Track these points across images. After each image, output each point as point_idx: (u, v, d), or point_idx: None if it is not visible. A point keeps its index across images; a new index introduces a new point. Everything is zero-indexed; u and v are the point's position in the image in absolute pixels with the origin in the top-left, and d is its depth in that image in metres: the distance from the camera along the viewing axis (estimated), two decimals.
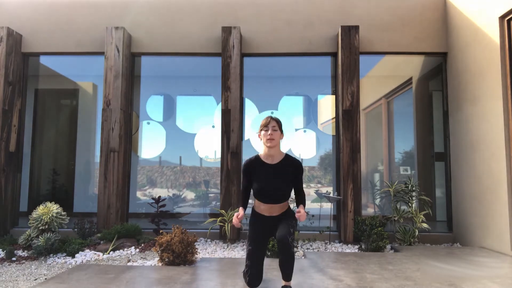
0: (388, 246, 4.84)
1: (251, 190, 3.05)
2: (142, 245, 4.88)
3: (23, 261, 4.35)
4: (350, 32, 5.46)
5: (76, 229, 5.08)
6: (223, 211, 5.15)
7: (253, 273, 2.88)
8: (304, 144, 7.39)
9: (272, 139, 2.94)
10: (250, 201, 3.13)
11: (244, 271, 2.99)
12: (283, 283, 2.88)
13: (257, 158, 3.05)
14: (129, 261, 4.28)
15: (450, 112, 5.66)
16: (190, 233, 4.03)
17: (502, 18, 4.50)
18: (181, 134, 7.54)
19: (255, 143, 6.95)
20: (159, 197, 5.61)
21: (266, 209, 3.01)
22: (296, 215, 2.88)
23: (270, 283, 3.26)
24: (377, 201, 6.98)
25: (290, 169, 3.01)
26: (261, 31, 5.81)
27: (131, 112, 5.91)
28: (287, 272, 2.83)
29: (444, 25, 5.74)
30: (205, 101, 7.72)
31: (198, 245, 4.97)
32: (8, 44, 5.61)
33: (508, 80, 4.40)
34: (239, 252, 4.66)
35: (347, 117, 5.35)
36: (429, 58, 6.16)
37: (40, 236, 4.47)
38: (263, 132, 2.99)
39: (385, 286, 3.15)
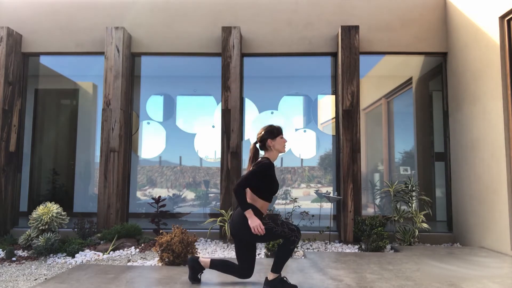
0: (388, 246, 4.84)
1: (250, 191, 3.07)
2: (142, 245, 4.87)
3: (23, 261, 4.35)
4: (350, 32, 5.46)
5: (76, 229, 5.08)
6: (223, 211, 5.15)
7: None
8: (304, 144, 7.39)
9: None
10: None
11: (296, 242, 2.98)
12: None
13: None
14: (129, 261, 4.28)
15: (450, 112, 5.66)
16: (190, 233, 4.03)
17: (502, 18, 4.50)
18: (181, 134, 7.54)
19: None
20: (159, 197, 5.61)
21: (267, 207, 3.14)
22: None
23: None
24: (377, 201, 6.97)
25: None
26: (261, 31, 5.81)
27: (131, 112, 5.91)
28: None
29: (444, 25, 5.74)
30: (205, 101, 7.72)
31: (198, 245, 4.97)
32: (8, 44, 5.61)
33: (508, 80, 4.40)
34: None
35: (347, 117, 5.35)
36: (429, 58, 6.16)
37: (40, 236, 4.47)
38: (280, 139, 3.15)
39: (385, 286, 3.15)
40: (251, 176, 2.98)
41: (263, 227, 2.90)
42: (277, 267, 2.98)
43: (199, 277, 3.28)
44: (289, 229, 2.94)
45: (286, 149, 3.26)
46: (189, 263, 3.26)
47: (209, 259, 3.21)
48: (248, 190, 3.07)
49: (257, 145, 3.17)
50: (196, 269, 3.23)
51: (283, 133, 3.19)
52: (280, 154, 3.25)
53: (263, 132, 3.13)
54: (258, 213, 3.01)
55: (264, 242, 3.01)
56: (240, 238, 3.07)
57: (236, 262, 3.19)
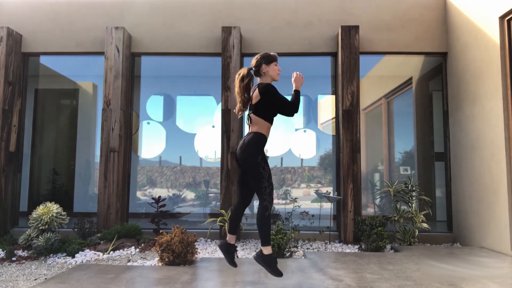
0: (388, 246, 4.84)
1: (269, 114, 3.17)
2: (142, 245, 4.87)
3: (23, 261, 4.35)
4: (350, 32, 5.46)
5: (76, 229, 5.07)
6: (223, 211, 5.15)
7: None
8: (304, 144, 7.39)
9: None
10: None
11: (269, 208, 3.07)
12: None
13: None
14: (129, 261, 4.28)
15: (450, 112, 5.66)
16: (190, 233, 4.03)
17: (502, 18, 4.50)
18: (181, 134, 7.55)
19: None
20: (159, 197, 5.61)
21: (269, 130, 3.25)
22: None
23: (270, 282, 3.25)
24: (377, 201, 6.98)
25: None
26: (261, 31, 5.81)
27: (131, 112, 5.91)
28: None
29: (444, 25, 5.74)
30: (205, 101, 7.72)
31: (198, 245, 4.97)
32: (8, 44, 5.61)
33: (508, 80, 4.40)
34: (239, 252, 4.66)
35: (347, 117, 5.35)
36: (429, 58, 6.16)
37: (40, 236, 4.47)
38: (275, 66, 3.21)
39: (385, 286, 3.15)
40: (275, 96, 3.09)
41: (299, 74, 3.22)
42: (264, 239, 3.03)
43: (236, 256, 3.31)
44: (269, 193, 3.01)
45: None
46: (221, 248, 3.24)
47: (230, 234, 3.23)
48: (255, 118, 3.12)
49: (252, 71, 3.23)
50: (230, 250, 3.22)
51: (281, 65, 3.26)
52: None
53: (258, 57, 3.22)
54: (265, 140, 3.12)
55: (247, 180, 3.12)
56: (243, 167, 3.14)
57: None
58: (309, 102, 7.57)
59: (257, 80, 3.24)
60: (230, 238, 3.23)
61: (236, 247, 3.30)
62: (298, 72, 3.26)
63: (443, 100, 5.82)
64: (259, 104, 3.11)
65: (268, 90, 3.09)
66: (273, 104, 3.11)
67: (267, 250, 3.02)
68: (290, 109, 3.13)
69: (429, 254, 4.37)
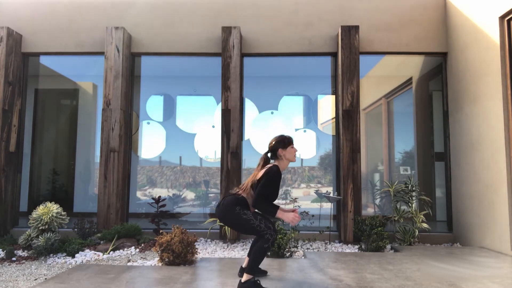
0: (388, 246, 4.84)
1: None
2: (142, 245, 4.87)
3: (23, 261, 4.35)
4: (350, 32, 5.46)
5: (76, 229, 5.08)
6: None
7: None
8: (304, 144, 7.39)
9: None
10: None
11: (270, 241, 3.00)
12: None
13: None
14: (129, 261, 4.28)
15: (450, 112, 5.66)
16: (190, 233, 4.03)
17: (502, 18, 4.50)
18: (181, 134, 7.54)
19: (255, 143, 6.95)
20: (159, 197, 5.61)
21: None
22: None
23: (270, 283, 3.25)
24: (377, 201, 6.97)
25: None
26: (261, 31, 5.81)
27: (131, 112, 5.91)
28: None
29: (444, 25, 5.74)
30: (205, 101, 7.71)
31: (198, 245, 4.97)
32: (8, 44, 5.61)
33: (508, 80, 4.40)
34: (239, 252, 4.66)
35: (347, 117, 5.35)
36: (429, 58, 6.16)
37: (40, 236, 4.47)
38: (291, 148, 3.26)
39: (385, 286, 3.15)
40: (268, 184, 3.04)
41: (298, 216, 3.08)
42: (250, 268, 2.99)
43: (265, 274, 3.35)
44: (266, 226, 2.98)
45: (295, 160, 3.33)
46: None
47: (246, 273, 3.03)
48: (249, 190, 3.13)
49: (268, 155, 3.25)
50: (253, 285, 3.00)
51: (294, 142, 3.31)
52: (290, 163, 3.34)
53: (274, 142, 3.24)
54: (246, 206, 3.10)
55: (242, 233, 3.16)
56: (227, 224, 3.21)
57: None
58: (309, 102, 7.57)
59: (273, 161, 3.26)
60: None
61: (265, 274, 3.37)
62: (298, 216, 3.10)
63: (443, 100, 5.82)
64: (259, 182, 3.11)
65: (270, 174, 3.07)
66: (261, 185, 3.05)
67: (246, 277, 2.97)
68: (258, 201, 3.02)
69: (429, 254, 4.37)
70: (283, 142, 3.23)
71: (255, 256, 2.98)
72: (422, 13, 5.75)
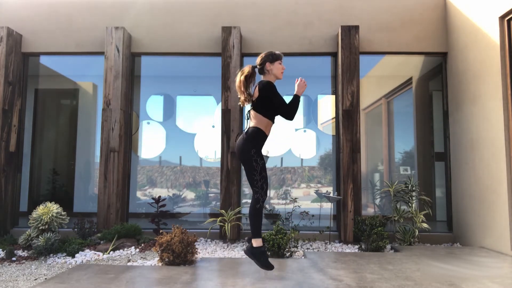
0: (388, 246, 4.84)
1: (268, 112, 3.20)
2: (142, 245, 4.88)
3: (23, 261, 4.35)
4: (350, 32, 5.46)
5: (76, 229, 5.08)
6: (223, 211, 5.15)
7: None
8: (304, 144, 7.38)
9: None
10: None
11: (261, 201, 3.08)
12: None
13: None
14: (129, 261, 4.28)
15: (450, 112, 5.66)
16: (190, 233, 4.03)
17: (502, 18, 4.50)
18: (181, 134, 7.54)
19: None
20: (159, 197, 5.61)
21: (270, 128, 3.28)
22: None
23: (269, 283, 3.25)
24: (377, 201, 6.97)
25: None
26: (261, 31, 5.81)
27: (131, 112, 5.91)
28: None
29: (444, 25, 5.74)
30: (205, 101, 7.71)
31: (198, 245, 4.97)
32: (8, 44, 5.61)
33: (508, 80, 4.40)
34: (239, 252, 4.66)
35: (347, 117, 5.35)
36: (429, 58, 6.16)
37: (40, 236, 4.47)
38: (279, 64, 3.27)
39: (385, 286, 3.15)
40: (273, 96, 3.13)
41: (303, 81, 3.26)
42: (255, 232, 3.05)
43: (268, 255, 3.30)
44: (261, 185, 3.05)
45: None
46: (251, 255, 3.12)
47: (253, 238, 3.09)
48: (254, 113, 3.19)
49: (256, 69, 3.28)
50: (258, 254, 3.07)
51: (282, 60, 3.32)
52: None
53: (263, 55, 3.28)
54: (262, 134, 3.15)
55: (246, 170, 3.18)
56: (239, 157, 3.23)
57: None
58: (309, 102, 7.57)
59: (261, 78, 3.29)
60: (257, 242, 3.13)
61: (266, 247, 3.31)
62: (302, 79, 3.29)
63: (443, 100, 5.82)
64: (258, 100, 3.17)
65: (266, 87, 3.13)
66: (270, 102, 3.14)
67: (257, 243, 3.04)
68: (286, 110, 3.16)
69: (429, 254, 4.37)
70: (271, 56, 3.25)
71: (252, 220, 3.06)
72: (422, 13, 5.75)
